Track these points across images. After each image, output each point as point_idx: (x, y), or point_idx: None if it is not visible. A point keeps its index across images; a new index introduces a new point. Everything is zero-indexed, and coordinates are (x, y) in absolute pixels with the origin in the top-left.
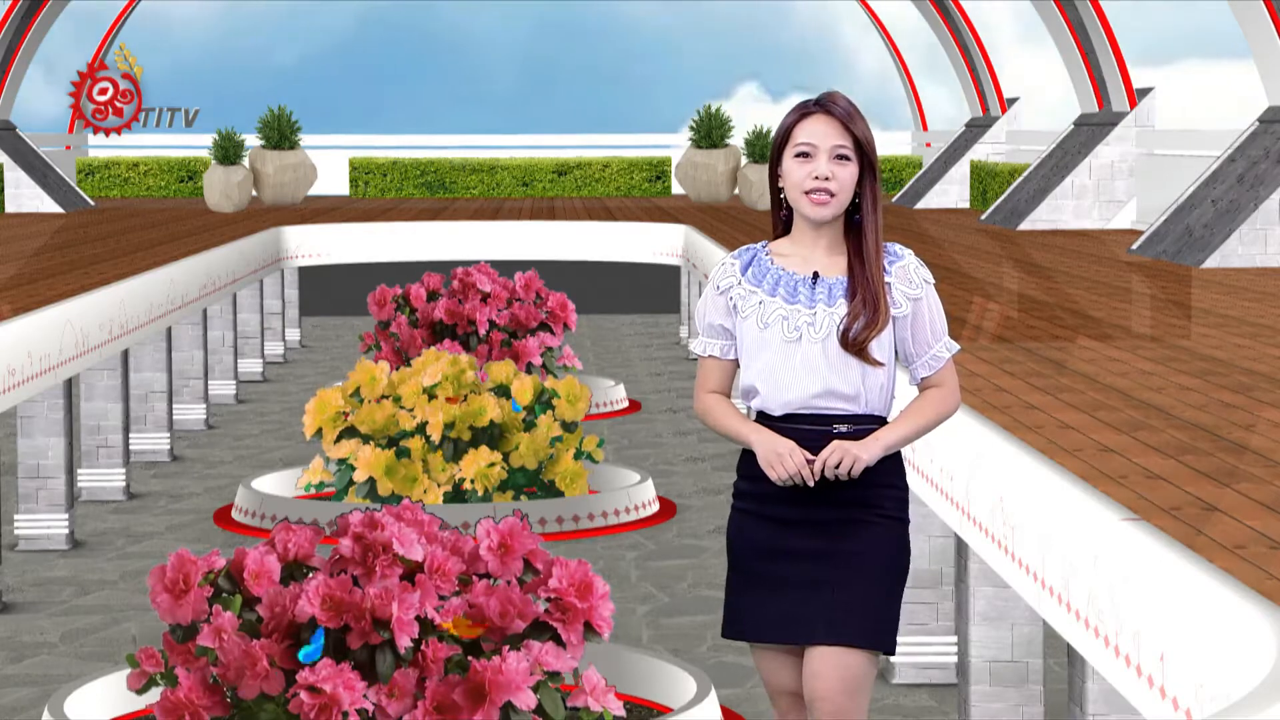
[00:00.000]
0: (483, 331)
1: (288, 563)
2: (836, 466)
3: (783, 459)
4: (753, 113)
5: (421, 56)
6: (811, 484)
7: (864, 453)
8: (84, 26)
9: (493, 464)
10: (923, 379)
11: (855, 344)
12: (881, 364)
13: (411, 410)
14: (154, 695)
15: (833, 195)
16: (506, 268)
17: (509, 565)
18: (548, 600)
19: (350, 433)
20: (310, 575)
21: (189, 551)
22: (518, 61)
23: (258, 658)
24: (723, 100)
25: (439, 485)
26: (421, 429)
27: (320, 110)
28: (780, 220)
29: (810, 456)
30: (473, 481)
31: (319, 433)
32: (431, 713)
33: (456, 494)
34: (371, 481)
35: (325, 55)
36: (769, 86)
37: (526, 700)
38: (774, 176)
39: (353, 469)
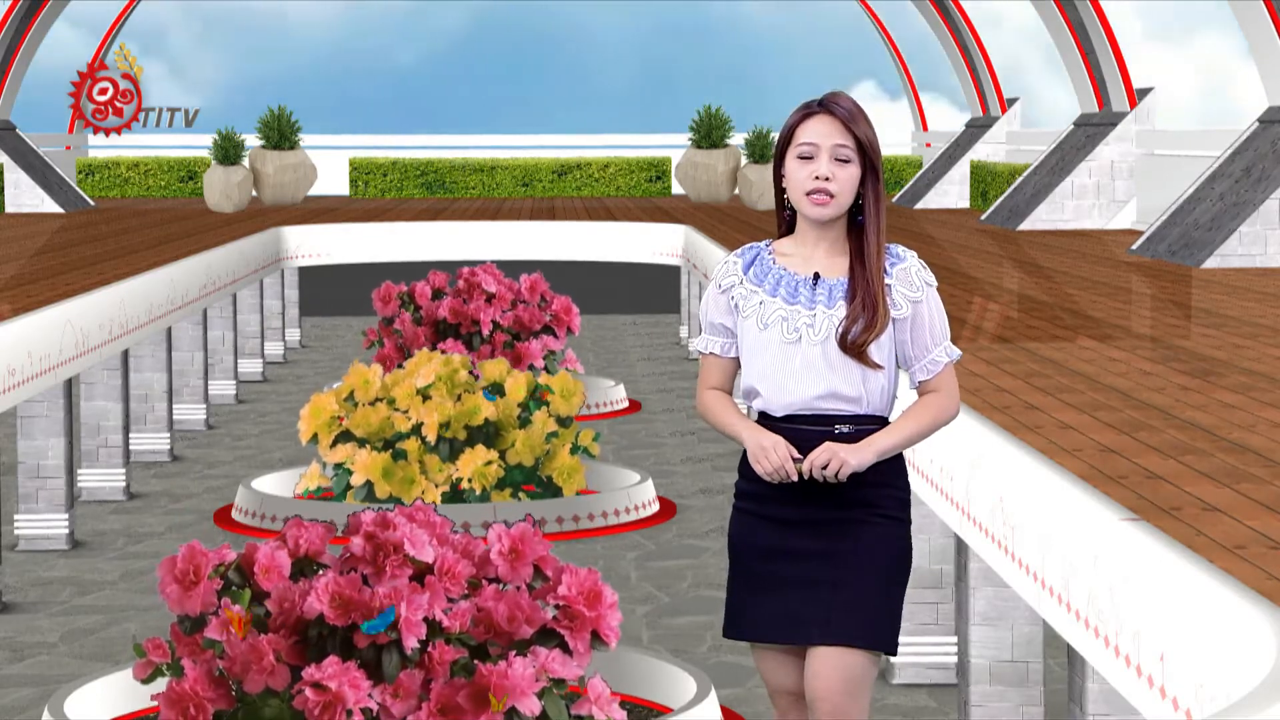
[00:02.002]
0: (486, 332)
1: (298, 559)
2: (824, 468)
3: (766, 452)
4: (871, 111)
5: (539, 56)
6: (795, 479)
7: (853, 458)
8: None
9: (489, 462)
10: (920, 383)
11: (853, 346)
12: (881, 367)
13: (406, 412)
14: (154, 694)
15: (832, 196)
16: (506, 268)
17: (519, 571)
18: (556, 607)
19: (346, 437)
20: (320, 572)
21: (200, 544)
22: (635, 62)
23: (264, 652)
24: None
25: (437, 486)
26: (417, 430)
27: (438, 110)
28: (784, 220)
29: (798, 455)
30: (470, 481)
31: (314, 438)
32: (435, 715)
33: (454, 494)
34: (369, 485)
35: (444, 55)
36: (886, 85)
37: (531, 706)
38: (778, 177)
39: (350, 473)
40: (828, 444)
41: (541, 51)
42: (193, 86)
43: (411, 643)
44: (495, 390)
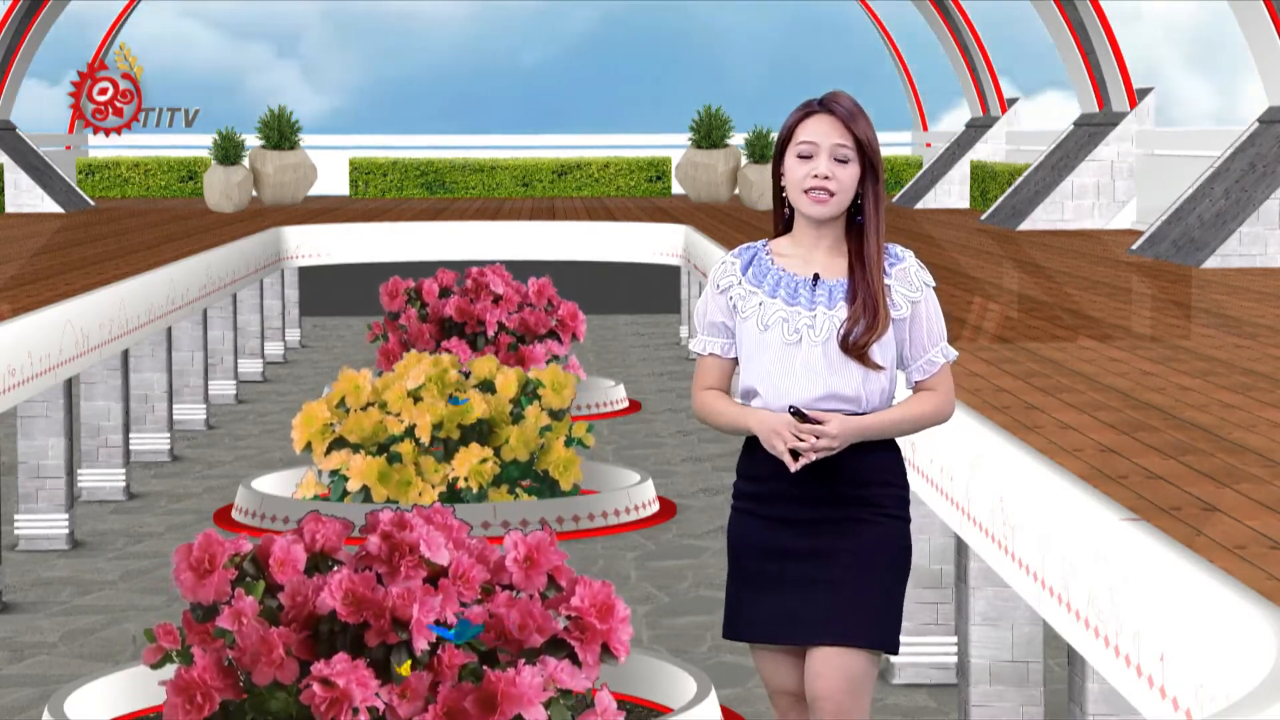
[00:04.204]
0: (491, 333)
1: (313, 554)
2: (817, 438)
3: (781, 435)
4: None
5: (667, 56)
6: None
7: (834, 428)
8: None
9: (485, 460)
10: (916, 383)
11: (855, 348)
12: (882, 368)
13: (398, 415)
14: (162, 681)
15: (831, 194)
16: (506, 268)
17: (533, 579)
18: (568, 618)
19: (340, 443)
20: (335, 569)
21: (216, 533)
22: (765, 61)
23: (274, 645)
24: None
25: (433, 487)
26: (410, 432)
27: (566, 110)
28: (781, 218)
29: (797, 441)
30: (466, 480)
31: (308, 447)
32: (441, 718)
33: (452, 494)
34: (366, 490)
35: (573, 55)
36: (1019, 83)
37: (537, 715)
38: (776, 175)
39: (346, 479)
40: (828, 423)
41: (670, 50)
42: (323, 87)
43: (422, 644)
44: (485, 389)
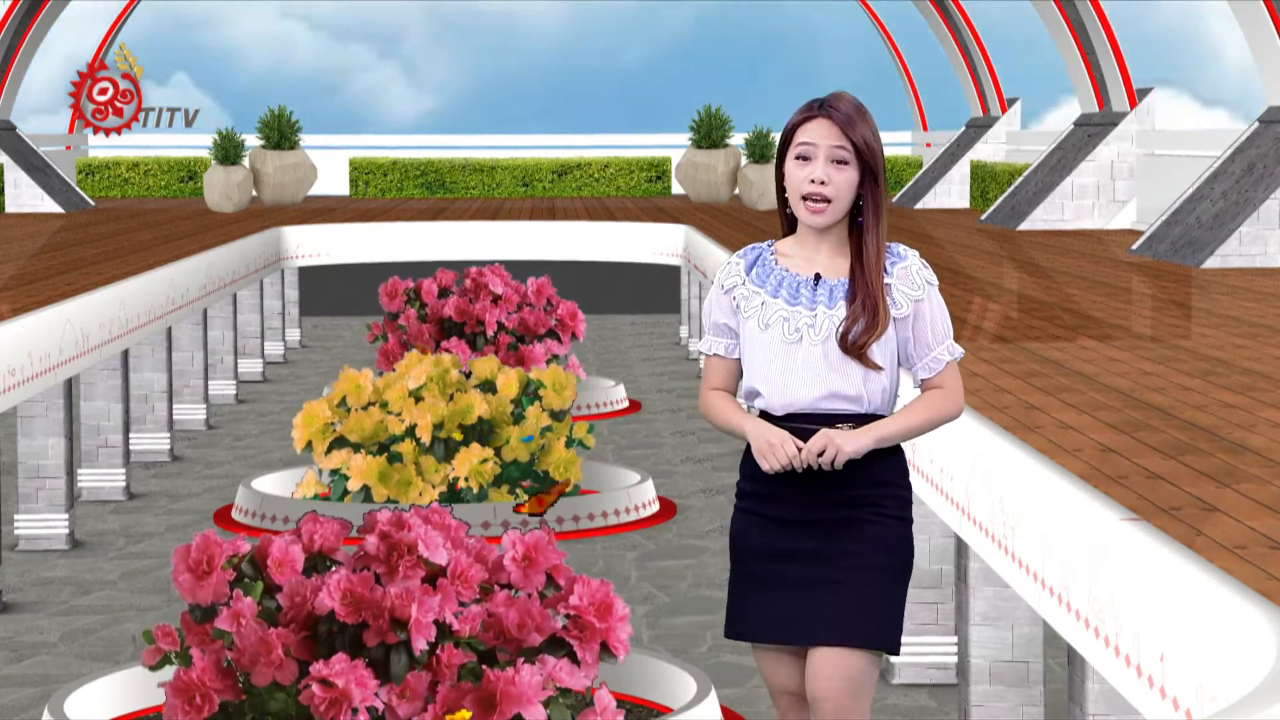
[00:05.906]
0: (490, 333)
1: (312, 554)
2: (820, 455)
3: (774, 449)
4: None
5: (764, 56)
6: (800, 469)
7: (848, 444)
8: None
9: (485, 460)
10: (923, 381)
11: (854, 347)
12: (881, 368)
13: (399, 414)
14: (161, 683)
15: (829, 201)
16: (507, 268)
17: (531, 578)
18: (566, 617)
19: (340, 443)
20: (333, 569)
21: (215, 534)
22: (859, 60)
23: (273, 646)
24: (1072, 96)
25: (434, 487)
26: (411, 432)
27: (663, 110)
28: (786, 219)
29: (801, 444)
30: (467, 480)
31: (309, 446)
32: (441, 718)
33: (452, 494)
34: (366, 489)
35: (670, 55)
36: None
37: (537, 715)
38: (779, 176)
39: (346, 479)
40: (824, 431)
41: (767, 50)
42: (425, 87)
43: (421, 644)
44: (486, 389)
